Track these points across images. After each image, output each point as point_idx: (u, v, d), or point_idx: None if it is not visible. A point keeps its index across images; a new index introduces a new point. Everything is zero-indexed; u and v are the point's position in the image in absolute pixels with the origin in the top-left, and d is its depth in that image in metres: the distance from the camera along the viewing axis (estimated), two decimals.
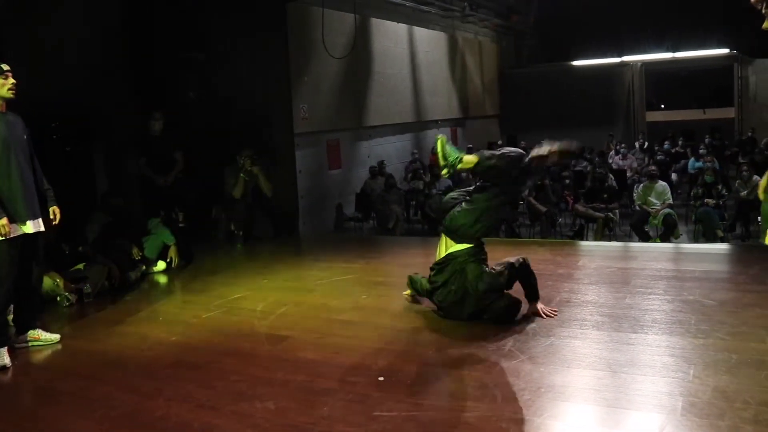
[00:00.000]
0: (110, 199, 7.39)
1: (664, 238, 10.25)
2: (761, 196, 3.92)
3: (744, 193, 10.64)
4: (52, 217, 4.89)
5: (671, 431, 3.05)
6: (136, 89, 8.73)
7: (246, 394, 3.75)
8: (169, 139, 8.22)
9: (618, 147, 16.22)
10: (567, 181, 12.46)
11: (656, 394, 3.43)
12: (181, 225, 8.18)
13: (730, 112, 19.41)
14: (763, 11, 2.79)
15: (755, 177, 10.56)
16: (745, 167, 11.09)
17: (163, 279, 7.04)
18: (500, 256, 6.30)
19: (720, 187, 10.96)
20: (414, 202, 12.80)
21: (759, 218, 9.98)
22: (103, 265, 6.36)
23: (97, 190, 8.25)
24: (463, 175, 12.34)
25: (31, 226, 4.67)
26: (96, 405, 3.75)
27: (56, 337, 4.95)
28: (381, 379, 3.83)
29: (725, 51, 18.14)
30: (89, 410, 3.69)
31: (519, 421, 3.23)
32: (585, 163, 14.53)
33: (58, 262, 6.17)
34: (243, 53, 8.83)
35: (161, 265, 7.20)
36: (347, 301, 5.61)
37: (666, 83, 20.79)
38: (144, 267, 6.95)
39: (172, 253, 7.30)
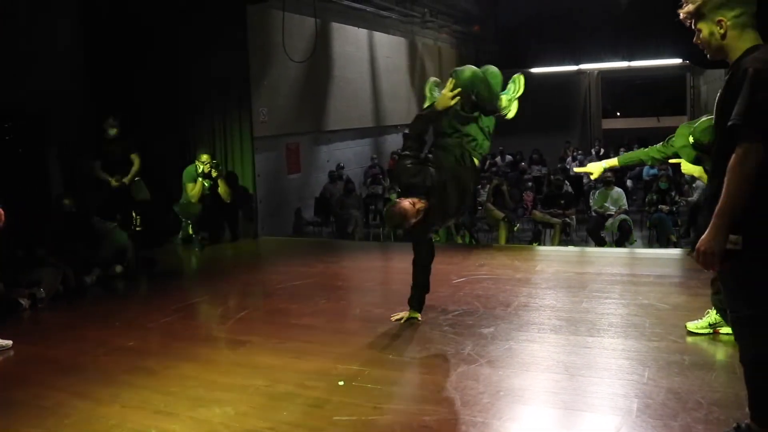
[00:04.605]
0: (64, 202, 7.23)
1: (620, 243, 10.43)
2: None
3: (696, 198, 10.89)
4: None
5: None
6: (92, 90, 8.57)
7: (204, 400, 3.70)
8: (125, 141, 8.12)
9: (575, 153, 16.49)
10: (530, 183, 12.61)
11: (612, 396, 3.50)
12: (137, 228, 8.08)
13: (683, 121, 19.73)
14: (694, 27, 2.80)
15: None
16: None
17: (119, 283, 6.92)
18: (459, 261, 6.36)
19: (674, 193, 11.20)
20: (373, 207, 12.83)
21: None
22: (58, 268, 6.22)
23: (51, 193, 8.07)
24: None
25: None
26: (48, 413, 3.67)
27: (8, 343, 4.81)
28: (341, 383, 3.83)
29: (678, 61, 18.54)
30: (41, 418, 3.60)
31: (478, 424, 3.25)
32: (541, 168, 14.74)
33: (10, 266, 6.02)
34: (202, 55, 8.73)
35: (118, 269, 7.07)
36: (306, 306, 5.59)
37: (622, 91, 21.18)
38: (100, 271, 6.81)
39: (129, 256, 7.18)
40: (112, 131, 8.01)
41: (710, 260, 2.63)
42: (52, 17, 8.19)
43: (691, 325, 4.33)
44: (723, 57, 2.75)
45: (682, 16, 2.82)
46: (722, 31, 2.69)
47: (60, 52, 8.19)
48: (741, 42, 2.69)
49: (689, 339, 4.24)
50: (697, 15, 2.75)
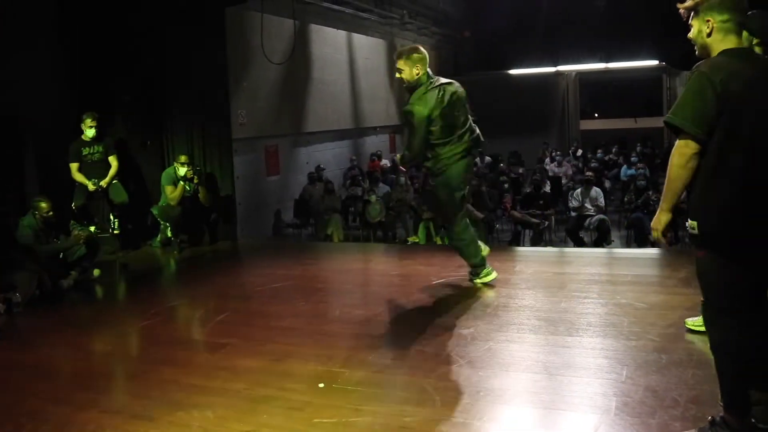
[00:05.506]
0: (41, 204, 7.12)
1: (598, 243, 10.51)
2: None
3: None
4: None
5: (605, 431, 3.13)
6: (70, 91, 8.49)
7: (183, 404, 3.68)
8: (103, 143, 8.05)
9: (553, 154, 16.60)
10: (506, 185, 12.67)
11: (591, 395, 3.52)
12: (115, 231, 8.01)
13: (659, 122, 19.90)
14: (690, 21, 2.93)
15: None
16: None
17: (97, 287, 6.85)
18: (439, 262, 6.36)
19: (651, 193, 11.31)
20: (352, 209, 12.81)
21: (687, 223, 10.32)
22: (34, 272, 6.14)
23: (26, 195, 7.96)
24: (402, 179, 12.45)
25: None
26: (26, 419, 3.62)
27: None
28: (321, 385, 3.82)
29: (655, 62, 18.72)
30: (18, 424, 3.56)
31: (459, 425, 3.26)
32: (521, 170, 14.81)
33: None
34: (181, 56, 8.68)
35: (96, 272, 7.01)
36: (286, 308, 5.57)
37: (599, 93, 21.34)
38: (77, 274, 6.74)
39: (102, 259, 7.12)
40: (90, 133, 7.93)
41: (657, 236, 2.99)
42: (31, 18, 8.09)
43: (690, 322, 4.28)
44: (706, 55, 2.88)
45: (681, 10, 2.98)
46: (708, 30, 2.85)
47: (37, 53, 8.09)
48: (721, 44, 2.84)
49: (668, 337, 4.28)
50: (694, 11, 2.91)
